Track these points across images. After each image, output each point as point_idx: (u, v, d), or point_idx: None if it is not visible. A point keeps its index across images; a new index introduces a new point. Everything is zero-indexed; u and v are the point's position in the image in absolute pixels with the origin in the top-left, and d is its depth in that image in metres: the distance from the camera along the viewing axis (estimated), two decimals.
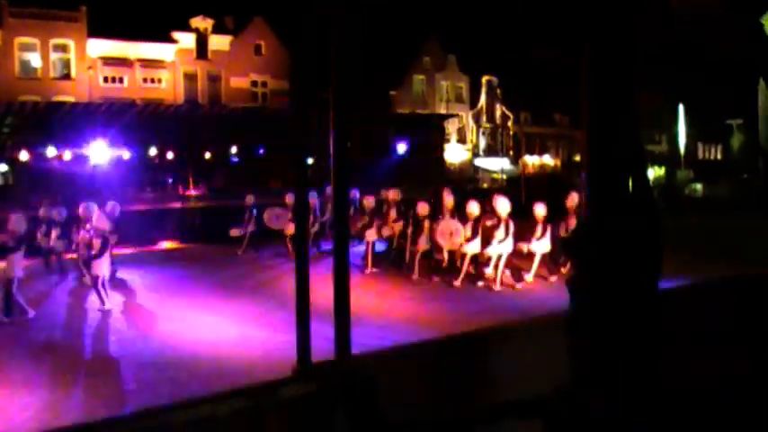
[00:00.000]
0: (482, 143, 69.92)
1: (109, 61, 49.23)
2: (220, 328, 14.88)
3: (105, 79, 49.16)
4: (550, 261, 19.69)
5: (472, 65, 65.83)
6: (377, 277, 20.04)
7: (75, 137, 28.97)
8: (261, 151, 32.42)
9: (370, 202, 21.43)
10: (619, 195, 8.01)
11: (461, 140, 67.98)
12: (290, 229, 23.63)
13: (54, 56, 47.87)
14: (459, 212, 19.65)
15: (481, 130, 69.65)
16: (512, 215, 18.77)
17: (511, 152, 70.72)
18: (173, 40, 51.42)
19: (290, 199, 23.76)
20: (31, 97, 37.26)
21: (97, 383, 11.28)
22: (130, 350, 13.21)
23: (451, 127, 64.11)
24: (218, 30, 52.88)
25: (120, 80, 49.67)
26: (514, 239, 18.76)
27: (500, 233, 18.40)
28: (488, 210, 19.27)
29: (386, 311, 15.89)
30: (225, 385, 10.32)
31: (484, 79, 68.26)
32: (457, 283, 18.71)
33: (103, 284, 16.37)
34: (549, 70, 51.77)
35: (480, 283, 18.66)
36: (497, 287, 18.33)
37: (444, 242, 19.30)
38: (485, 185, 55.60)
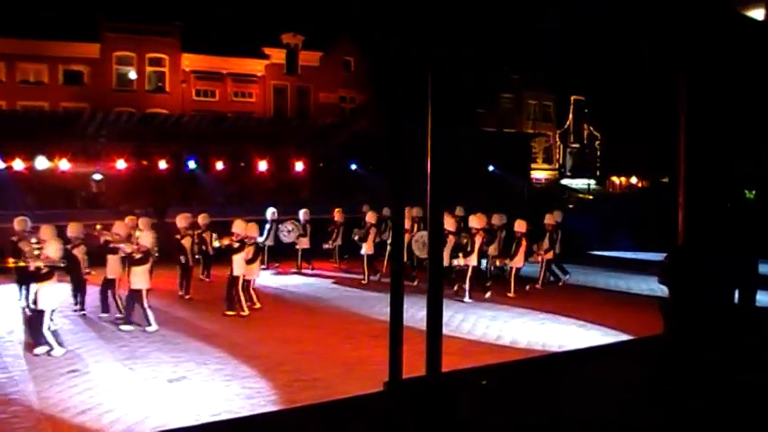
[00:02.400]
0: (568, 163, 69.38)
1: (202, 75, 50.25)
2: (305, 341, 15.13)
3: (198, 92, 50.21)
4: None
5: (559, 83, 65.33)
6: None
7: (168, 148, 29.58)
8: (352, 167, 32.59)
9: (372, 216, 22.28)
10: (715, 217, 7.95)
11: (548, 160, 67.54)
12: (302, 243, 24.08)
13: (149, 69, 49.08)
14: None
15: (568, 150, 69.13)
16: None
17: (598, 172, 70.01)
18: (264, 56, 52.18)
19: (305, 215, 24.21)
20: (127, 109, 38.11)
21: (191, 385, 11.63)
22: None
23: (538, 146, 63.70)
24: (308, 46, 53.46)
25: (212, 93, 50.64)
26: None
27: (467, 247, 19.40)
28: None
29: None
30: (314, 397, 10.51)
31: (572, 98, 67.76)
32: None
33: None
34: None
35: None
36: (467, 299, 18.95)
37: (417, 251, 20.67)
38: (570, 206, 55.07)
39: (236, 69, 51.28)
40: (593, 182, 67.44)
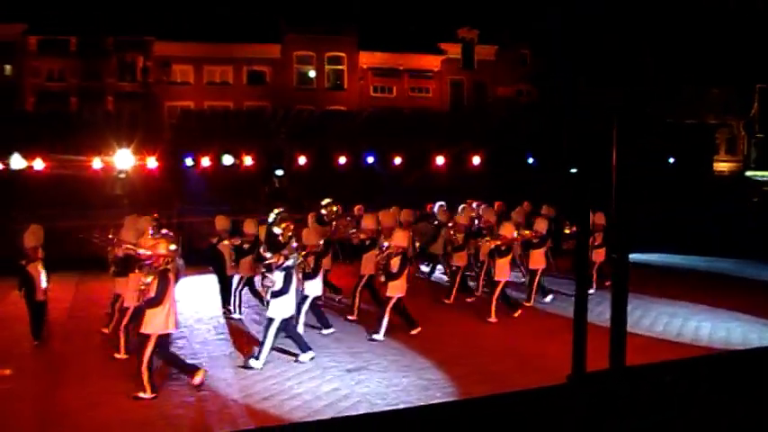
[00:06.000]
0: (753, 154, 66.64)
1: (379, 72, 50.97)
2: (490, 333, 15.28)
3: (375, 89, 50.96)
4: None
5: (742, 71, 62.54)
6: None
7: (347, 144, 30.21)
8: (531, 160, 32.29)
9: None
10: None
11: (731, 151, 65.10)
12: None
13: (328, 68, 50.22)
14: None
15: (753, 140, 66.41)
16: None
17: None
18: (440, 51, 52.42)
19: (360, 211, 23.78)
20: (307, 107, 39.19)
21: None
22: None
23: (720, 137, 61.42)
24: (483, 40, 53.33)
25: (390, 90, 51.29)
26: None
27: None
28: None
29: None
30: (491, 390, 10.62)
31: (757, 87, 64.98)
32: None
33: None
34: None
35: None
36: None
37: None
38: (754, 199, 52.88)
39: (413, 65, 51.73)
40: None
